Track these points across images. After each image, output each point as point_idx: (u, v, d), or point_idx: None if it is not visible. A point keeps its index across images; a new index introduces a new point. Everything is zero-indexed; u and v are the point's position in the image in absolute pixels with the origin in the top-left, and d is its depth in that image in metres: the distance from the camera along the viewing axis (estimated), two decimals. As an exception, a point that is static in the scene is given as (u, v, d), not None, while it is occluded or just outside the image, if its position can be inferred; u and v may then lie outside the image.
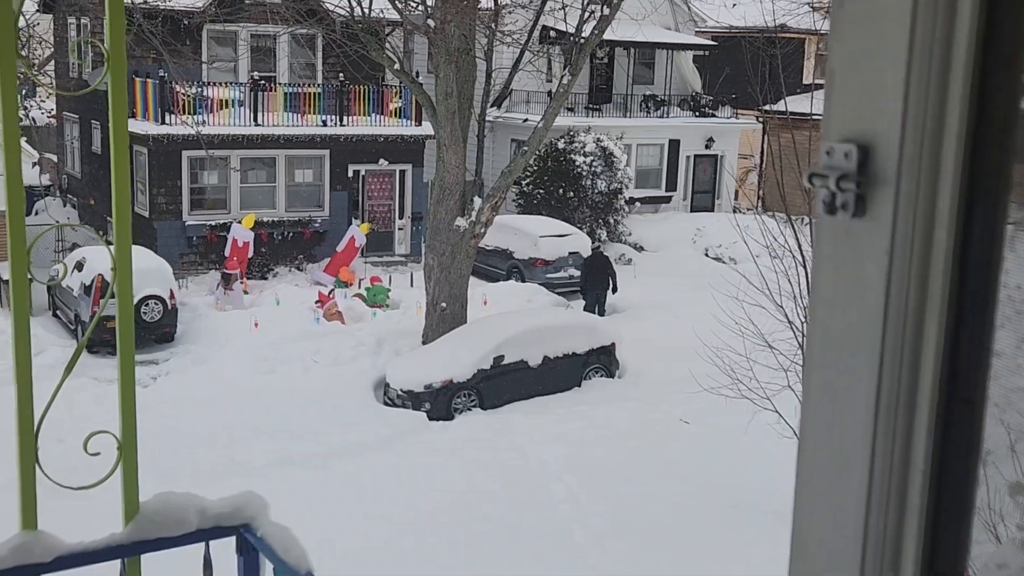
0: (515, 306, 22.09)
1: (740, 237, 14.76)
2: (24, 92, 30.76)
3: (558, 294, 24.31)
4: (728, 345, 14.23)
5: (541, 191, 29.86)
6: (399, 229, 28.67)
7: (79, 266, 20.63)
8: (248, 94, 26.33)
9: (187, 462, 14.70)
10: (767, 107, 23.78)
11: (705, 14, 37.01)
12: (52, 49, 32.35)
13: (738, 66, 27.80)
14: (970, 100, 0.93)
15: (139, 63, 24.70)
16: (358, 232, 25.87)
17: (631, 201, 31.07)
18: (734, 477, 14.43)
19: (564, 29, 27.42)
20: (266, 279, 25.73)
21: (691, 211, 34.29)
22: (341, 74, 27.39)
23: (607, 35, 22.86)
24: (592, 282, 23.49)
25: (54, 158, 34.71)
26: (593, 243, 25.78)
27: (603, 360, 19.81)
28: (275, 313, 21.76)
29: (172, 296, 20.90)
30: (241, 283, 23.94)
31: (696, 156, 34.96)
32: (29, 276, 3.16)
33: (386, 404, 18.43)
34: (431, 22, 19.57)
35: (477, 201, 20.30)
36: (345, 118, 27.26)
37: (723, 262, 26.14)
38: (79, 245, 24.00)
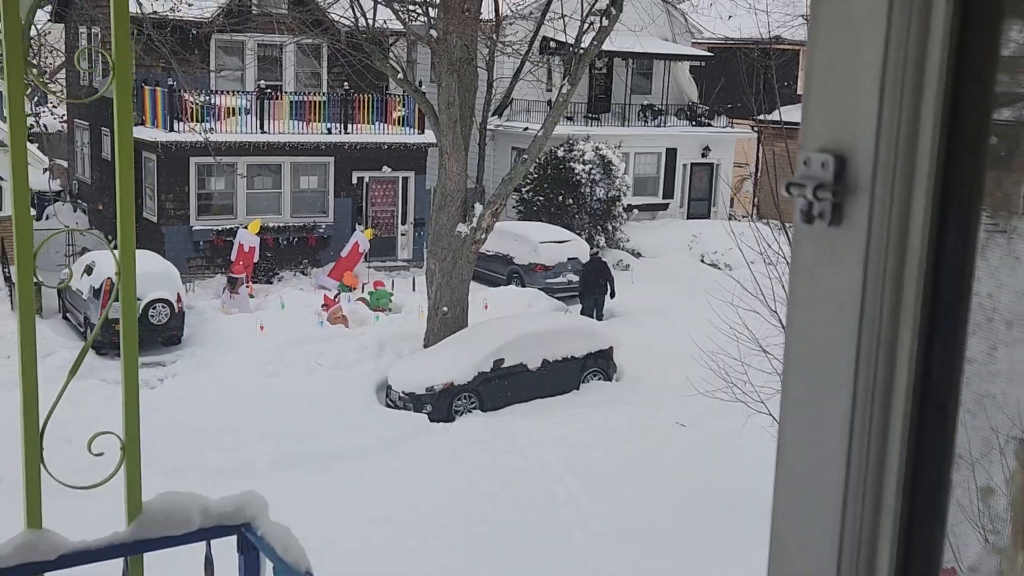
0: (515, 310, 22.08)
1: (735, 244, 14.75)
2: (36, 99, 30.78)
3: (557, 299, 24.30)
4: (723, 350, 14.22)
5: (541, 198, 29.87)
6: (402, 235, 28.69)
7: (88, 270, 20.64)
8: (255, 102, 26.37)
9: (193, 462, 14.68)
10: (762, 117, 23.78)
11: (701, 26, 37.04)
12: (63, 58, 32.38)
13: (733, 77, 27.80)
14: (943, 113, 0.93)
15: (149, 72, 24.71)
16: (362, 237, 25.87)
17: (629, 208, 31.06)
18: (731, 480, 14.37)
19: (564, 40, 27.43)
20: (271, 283, 25.73)
21: (687, 218, 34.29)
22: (346, 83, 27.41)
23: (606, 46, 22.88)
24: (590, 287, 23.49)
25: (65, 164, 34.73)
26: (592, 249, 25.78)
27: (601, 364, 19.80)
28: (280, 317, 21.75)
29: (179, 299, 20.90)
30: (247, 287, 23.94)
31: (692, 164, 34.96)
32: (38, 279, 3.16)
33: (388, 406, 18.42)
34: (434, 33, 19.59)
35: (478, 208, 20.30)
36: (349, 126, 27.29)
37: (718, 268, 26.17)
38: (88, 249, 24.00)
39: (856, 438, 0.99)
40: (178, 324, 20.85)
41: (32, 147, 26.79)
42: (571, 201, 29.50)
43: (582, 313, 23.00)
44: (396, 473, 15.10)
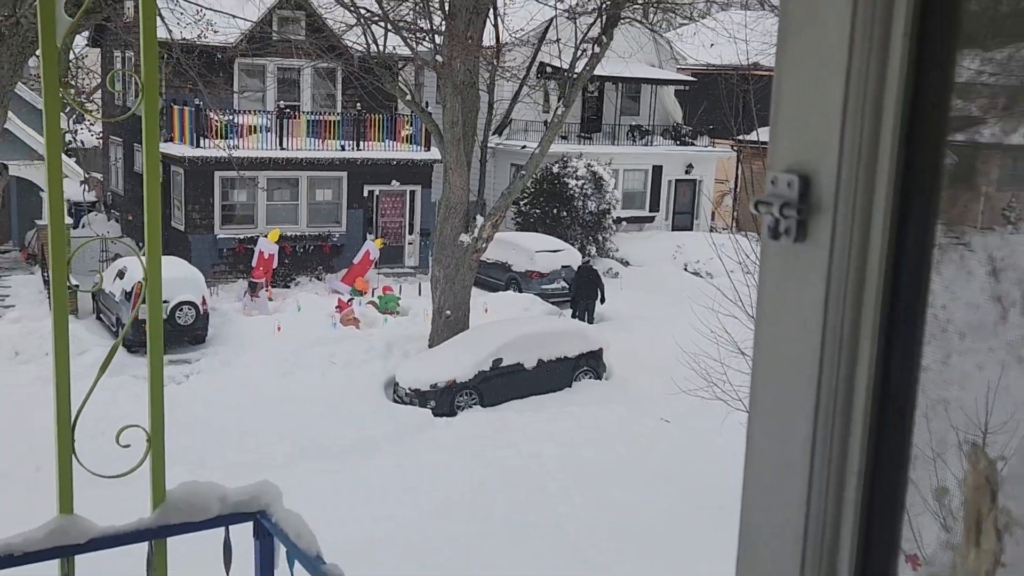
0: (513, 314, 22.06)
1: (716, 254, 14.73)
2: (73, 118, 30.77)
3: (551, 303, 24.27)
4: (704, 352, 14.18)
5: (537, 211, 29.85)
6: (409, 244, 28.67)
7: (120, 274, 20.64)
8: (274, 121, 26.37)
9: (215, 454, 14.64)
10: (741, 137, 23.79)
11: (686, 53, 37.05)
12: (99, 79, 32.39)
13: (715, 100, 27.83)
14: (900, 138, 0.93)
15: (177, 92, 24.71)
16: (372, 246, 25.85)
17: (618, 220, 31.05)
18: (716, 479, 14.03)
19: (559, 65, 27.45)
20: (289, 288, 25.69)
21: (672, 230, 34.25)
22: (358, 104, 27.41)
23: (597, 71, 22.89)
24: (582, 293, 23.45)
25: (100, 177, 34.72)
26: (584, 258, 25.75)
27: (592, 364, 19.77)
28: (296, 319, 21.72)
29: (204, 302, 20.87)
30: (266, 291, 23.92)
31: (677, 180, 34.95)
32: (74, 283, 3.16)
33: (395, 402, 18.38)
34: (439, 58, 19.60)
35: (479, 219, 20.29)
36: (361, 143, 27.29)
37: (700, 276, 26.12)
38: (121, 255, 23.99)
39: (819, 440, 0.98)
40: (203, 325, 20.82)
41: (69, 161, 26.76)
42: (565, 214, 29.49)
43: (572, 316, 22.96)
44: (402, 464, 15.05)
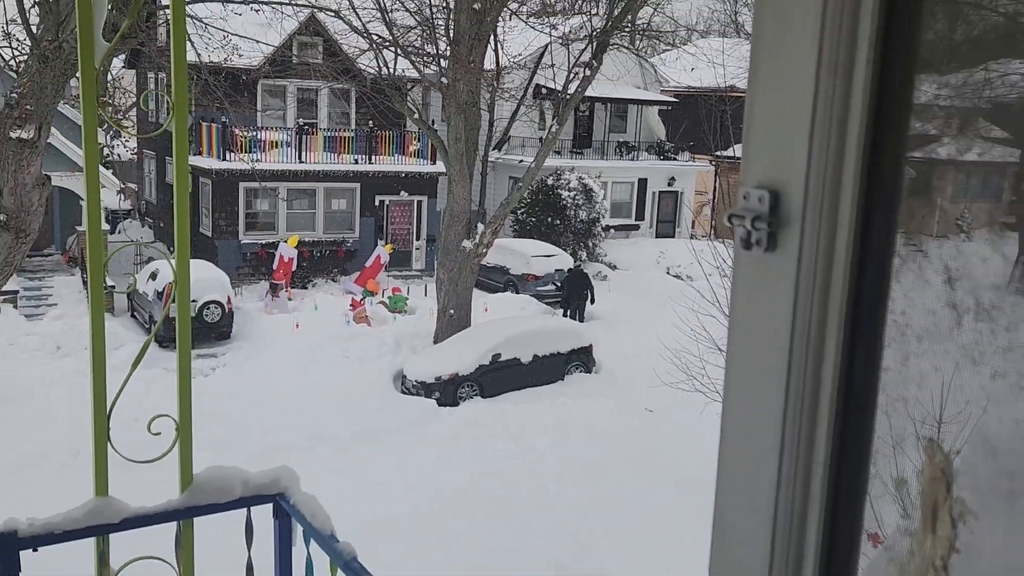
0: (511, 313, 22.04)
1: (696, 259, 14.72)
2: (110, 134, 30.72)
3: (546, 304, 24.24)
4: (685, 348, 14.17)
5: (533, 219, 29.84)
6: (416, 249, 28.66)
7: (153, 276, 20.62)
8: (294, 137, 26.37)
9: (238, 441, 14.61)
10: (719, 152, 23.79)
11: (668, 76, 37.09)
12: (134, 98, 32.36)
13: (695, 119, 27.83)
14: (864, 156, 0.92)
15: (205, 110, 24.69)
16: (383, 251, 25.83)
17: (606, 228, 31.05)
18: (694, 463, 13.87)
19: (553, 87, 27.47)
20: (306, 289, 25.69)
21: (656, 237, 34.25)
22: (371, 121, 27.40)
23: (588, 92, 22.88)
24: (572, 294, 23.41)
25: (135, 187, 34.69)
26: (575, 262, 25.72)
27: (582, 358, 19.75)
28: (313, 317, 21.69)
29: (229, 301, 20.84)
30: (286, 292, 23.90)
31: (660, 192, 34.95)
32: (110, 284, 3.15)
33: (403, 393, 18.36)
34: (444, 80, 19.59)
35: (480, 227, 20.27)
36: (373, 157, 27.29)
37: (682, 279, 26.10)
38: (153, 259, 23.97)
39: (788, 434, 0.98)
40: (228, 322, 20.79)
41: (106, 173, 26.74)
42: (558, 222, 29.49)
43: (563, 315, 22.92)
44: (410, 450, 15.02)
